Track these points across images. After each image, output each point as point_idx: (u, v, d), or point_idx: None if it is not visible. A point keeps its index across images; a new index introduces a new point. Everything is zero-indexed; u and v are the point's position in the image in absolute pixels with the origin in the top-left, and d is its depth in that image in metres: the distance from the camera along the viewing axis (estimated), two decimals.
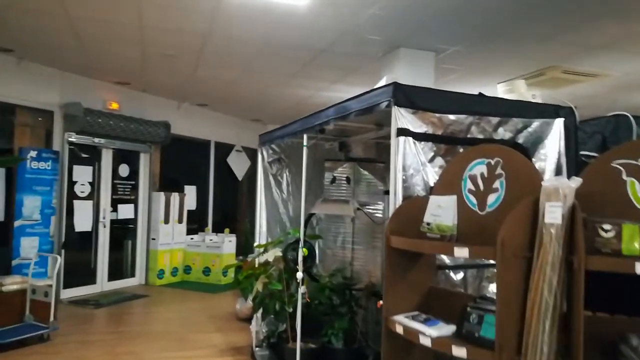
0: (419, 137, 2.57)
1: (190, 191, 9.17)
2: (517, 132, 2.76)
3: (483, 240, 2.22)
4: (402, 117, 2.55)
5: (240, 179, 10.41)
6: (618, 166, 1.92)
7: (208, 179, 9.74)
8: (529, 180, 2.07)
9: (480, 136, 2.68)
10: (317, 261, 4.43)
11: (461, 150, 2.67)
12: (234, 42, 5.32)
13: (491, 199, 2.24)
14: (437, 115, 2.60)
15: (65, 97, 6.82)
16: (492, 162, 2.24)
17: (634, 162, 1.89)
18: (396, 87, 2.55)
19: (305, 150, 3.73)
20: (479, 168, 2.32)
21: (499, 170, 2.21)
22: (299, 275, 3.64)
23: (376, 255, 5.05)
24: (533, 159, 2.83)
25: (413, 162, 2.55)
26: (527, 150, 2.76)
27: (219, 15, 4.57)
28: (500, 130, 2.73)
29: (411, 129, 2.57)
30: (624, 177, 1.91)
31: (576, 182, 1.84)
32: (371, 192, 4.95)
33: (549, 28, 4.61)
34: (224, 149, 10.06)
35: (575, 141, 2.95)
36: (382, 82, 2.74)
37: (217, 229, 9.15)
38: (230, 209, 10.46)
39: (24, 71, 6.35)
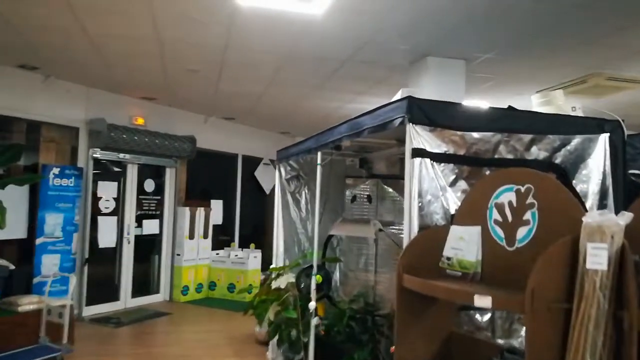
0: (437, 158, 2.26)
1: (217, 205, 9.05)
2: (554, 151, 2.40)
3: (511, 281, 1.88)
4: (417, 136, 2.24)
5: (268, 192, 10.23)
6: None
7: (235, 193, 9.61)
8: (567, 212, 1.72)
9: (510, 156, 2.34)
10: (333, 287, 4.12)
11: (487, 172, 2.33)
12: (254, 53, 5.13)
13: (521, 232, 1.90)
14: (459, 133, 2.27)
15: (90, 114, 6.81)
16: (522, 189, 1.91)
17: None
18: (411, 101, 2.25)
19: (319, 169, 3.46)
20: (507, 195, 1.98)
21: (530, 200, 1.87)
22: (312, 305, 3.35)
23: None
24: (574, 181, 2.45)
25: (431, 187, 2.24)
26: (566, 172, 2.39)
27: (234, 26, 4.39)
28: (534, 149, 2.38)
29: (428, 149, 2.25)
30: None
31: (626, 218, 1.49)
32: (396, 211, 4.62)
33: (591, 30, 4.18)
34: (251, 163, 9.92)
35: (624, 159, 2.55)
36: (398, 96, 2.44)
37: (245, 244, 8.97)
38: (258, 223, 10.29)
39: (50, 88, 6.37)
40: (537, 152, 2.37)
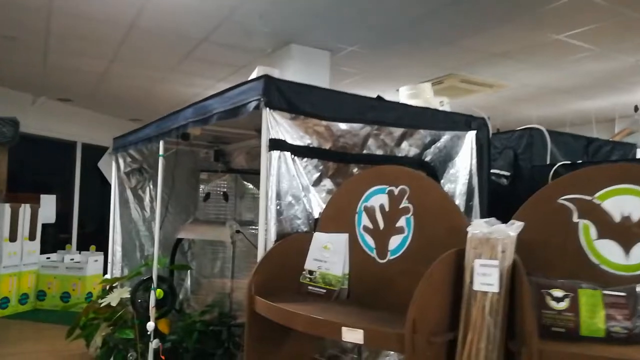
0: (299, 151, 1.88)
1: (49, 201, 7.73)
2: (425, 148, 2.18)
3: (382, 299, 1.58)
4: (276, 125, 1.84)
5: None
6: (567, 203, 1.36)
7: (73, 187, 8.34)
8: (447, 219, 1.46)
9: (380, 152, 2.05)
10: (184, 297, 3.56)
11: (355, 170, 2.01)
12: (86, 22, 4.28)
13: (394, 242, 1.60)
14: (324, 123, 1.92)
15: None
16: (396, 190, 1.61)
17: (588, 197, 1.34)
18: (268, 81, 1.83)
19: (161, 161, 2.88)
20: (378, 198, 1.67)
21: (404, 203, 1.58)
22: (150, 326, 2.77)
23: None
24: (442, 181, 2.26)
25: (291, 186, 1.85)
26: (436, 171, 2.19)
27: None
28: (405, 145, 2.13)
29: (289, 140, 1.86)
30: (575, 219, 1.35)
31: (517, 228, 1.24)
32: (257, 208, 4.20)
33: (451, 32, 4.21)
34: (94, 152, 8.69)
35: (489, 158, 2.45)
36: (253, 75, 2.00)
37: (86, 245, 7.80)
38: (103, 221, 9.09)
39: None
40: (408, 149, 2.13)
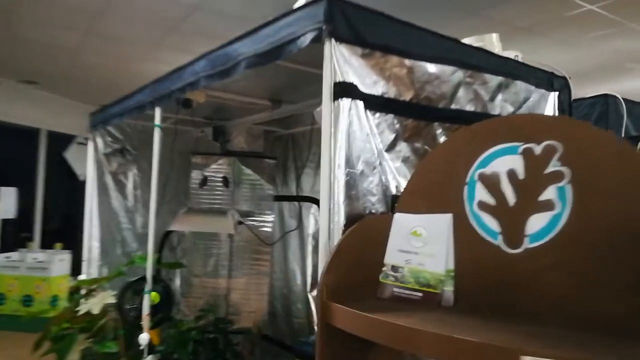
0: (373, 103, 1.36)
1: (8, 194, 6.97)
2: (518, 107, 1.70)
3: (518, 306, 1.09)
4: (344, 63, 1.32)
5: (83, 178, 8.31)
6: None
7: (36, 179, 7.56)
8: (631, 185, 0.98)
9: (471, 107, 1.57)
10: (175, 306, 2.99)
11: (439, 131, 1.51)
12: None
13: (536, 223, 1.11)
14: (407, 63, 1.41)
15: None
16: (537, 149, 1.11)
17: None
18: (332, 4, 1.31)
19: (157, 132, 2.32)
20: (504, 162, 1.17)
21: (554, 167, 1.09)
22: (144, 338, 2.20)
23: (262, 283, 3.77)
24: None
25: (365, 151, 1.33)
26: None
27: None
28: (499, 100, 1.65)
29: (361, 87, 1.34)
30: None
31: None
32: (256, 198, 3.66)
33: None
34: (61, 141, 7.91)
35: None
36: (299, 3, 1.45)
37: (51, 243, 7.05)
38: (70, 216, 8.32)
39: None
40: (502, 105, 1.65)
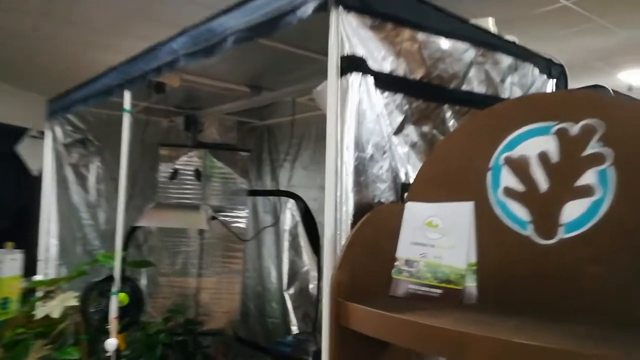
0: (383, 81, 1.23)
1: None
2: (527, 91, 1.61)
3: (553, 303, 0.99)
4: (353, 35, 1.18)
5: (37, 173, 7.81)
6: None
7: None
8: None
9: (482, 89, 1.46)
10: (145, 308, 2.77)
11: (449, 114, 1.40)
12: None
13: (573, 211, 1.00)
14: (420, 37, 1.29)
15: None
16: (574, 129, 1.01)
17: None
18: None
19: (126, 118, 2.11)
20: (534, 144, 1.06)
21: (595, 148, 0.99)
22: (111, 344, 1.99)
23: (234, 282, 3.59)
24: None
25: (374, 132, 1.20)
26: None
27: None
28: (509, 82, 1.55)
29: (370, 62, 1.21)
30: None
31: None
32: (229, 193, 3.48)
33: None
34: (11, 134, 7.41)
35: None
36: None
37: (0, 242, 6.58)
38: (22, 214, 7.81)
39: None
40: (511, 88, 1.55)
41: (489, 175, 1.12)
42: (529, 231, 1.05)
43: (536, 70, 1.65)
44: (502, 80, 1.52)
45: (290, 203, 3.29)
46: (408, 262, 1.16)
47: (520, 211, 1.07)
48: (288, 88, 2.44)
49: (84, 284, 2.65)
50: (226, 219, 3.38)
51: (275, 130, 3.49)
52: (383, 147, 1.22)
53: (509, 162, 1.09)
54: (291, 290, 3.24)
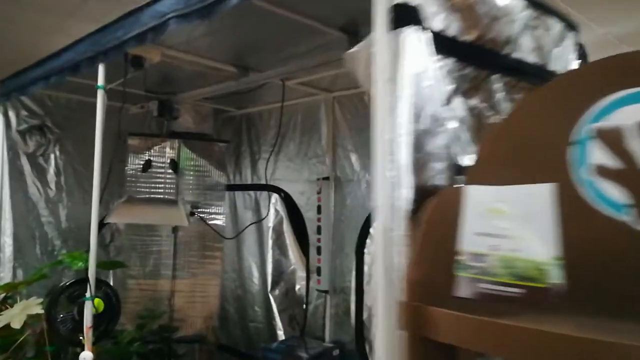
0: (436, 41, 1.03)
1: None
2: (566, 65, 1.45)
3: None
4: None
5: None
6: None
7: None
8: None
9: (532, 58, 1.28)
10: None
11: (499, 85, 1.21)
12: None
13: None
14: None
15: None
16: None
17: None
18: None
19: (100, 95, 1.82)
20: (633, 111, 0.89)
21: None
22: (86, 357, 1.70)
23: (212, 284, 3.32)
24: None
25: (431, 101, 1.00)
26: None
27: None
28: (558, 51, 1.38)
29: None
30: None
31: None
32: (202, 187, 3.20)
33: None
34: None
35: None
36: None
37: None
38: None
39: None
40: (559, 57, 1.38)
41: (572, 150, 0.94)
42: (628, 216, 0.88)
43: (572, 44, 1.50)
44: (556, 45, 1.36)
45: (274, 198, 3.05)
46: (475, 257, 0.97)
47: (615, 192, 0.89)
48: (279, 68, 2.21)
49: (43, 288, 2.33)
50: (201, 215, 3.11)
51: (256, 120, 3.23)
52: (440, 118, 1.01)
53: (601, 134, 0.91)
54: (276, 292, 3.00)
